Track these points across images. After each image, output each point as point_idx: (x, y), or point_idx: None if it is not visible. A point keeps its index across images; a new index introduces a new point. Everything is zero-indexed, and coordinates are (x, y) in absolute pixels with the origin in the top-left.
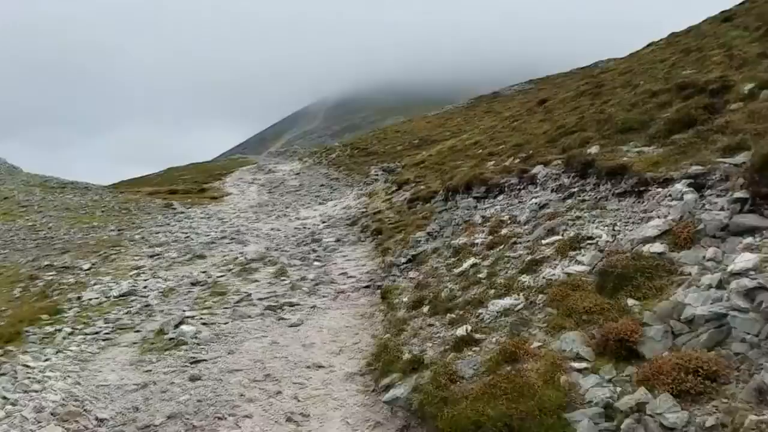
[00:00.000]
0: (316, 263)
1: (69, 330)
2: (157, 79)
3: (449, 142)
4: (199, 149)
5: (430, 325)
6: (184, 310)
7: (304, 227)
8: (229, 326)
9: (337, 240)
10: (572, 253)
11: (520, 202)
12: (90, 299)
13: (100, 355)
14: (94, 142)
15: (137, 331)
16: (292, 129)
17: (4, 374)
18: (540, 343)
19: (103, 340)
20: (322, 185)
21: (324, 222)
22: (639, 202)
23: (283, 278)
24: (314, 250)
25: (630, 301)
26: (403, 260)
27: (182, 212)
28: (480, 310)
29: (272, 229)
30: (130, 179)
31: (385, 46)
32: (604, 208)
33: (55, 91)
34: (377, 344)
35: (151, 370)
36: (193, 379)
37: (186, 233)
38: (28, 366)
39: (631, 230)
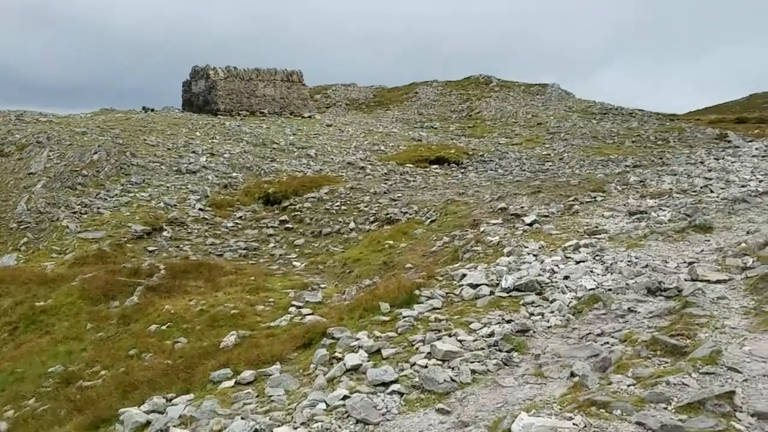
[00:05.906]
0: None
1: (371, 362)
2: None
3: None
4: None
5: None
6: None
7: None
8: None
9: None
10: None
11: None
12: (468, 285)
13: None
14: (684, 66)
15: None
16: None
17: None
18: None
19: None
20: None
21: None
22: None
23: None
24: None
25: None
26: None
27: (735, 146)
28: None
29: None
30: (705, 108)
31: None
32: None
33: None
34: None
35: None
36: None
37: (708, 180)
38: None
39: None
